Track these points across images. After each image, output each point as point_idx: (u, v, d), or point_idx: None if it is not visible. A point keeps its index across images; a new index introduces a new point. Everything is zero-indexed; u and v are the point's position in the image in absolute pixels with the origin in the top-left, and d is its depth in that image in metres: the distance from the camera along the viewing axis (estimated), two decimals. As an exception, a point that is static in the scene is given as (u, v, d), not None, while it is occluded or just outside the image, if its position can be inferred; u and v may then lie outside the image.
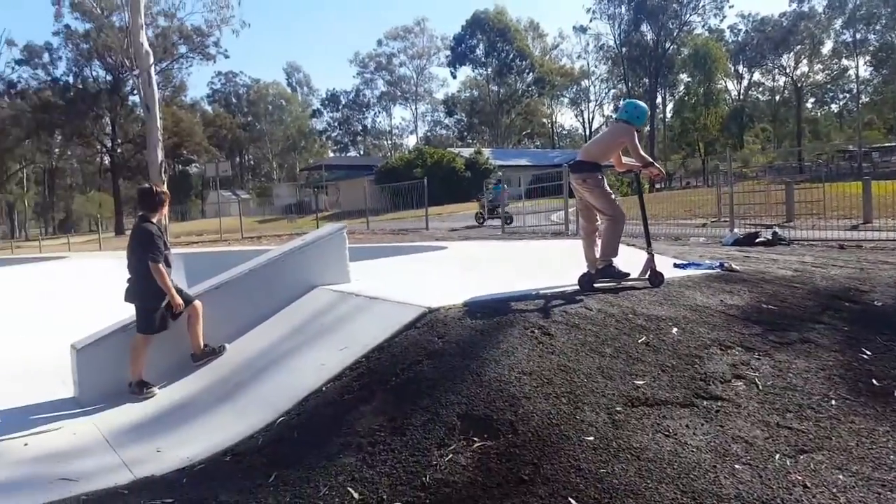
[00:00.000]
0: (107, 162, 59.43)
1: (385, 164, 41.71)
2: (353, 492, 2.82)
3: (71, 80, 55.34)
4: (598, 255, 5.08)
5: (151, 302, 4.93)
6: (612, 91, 76.73)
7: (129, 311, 5.15)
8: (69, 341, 5.24)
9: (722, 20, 70.17)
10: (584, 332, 4.00)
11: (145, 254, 4.86)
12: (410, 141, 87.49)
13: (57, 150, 64.40)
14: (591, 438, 2.97)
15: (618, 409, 3.22)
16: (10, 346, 7.31)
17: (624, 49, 68.88)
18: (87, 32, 51.80)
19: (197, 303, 5.23)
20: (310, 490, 2.89)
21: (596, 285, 4.90)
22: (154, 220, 5.08)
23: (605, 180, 5.03)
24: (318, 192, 50.78)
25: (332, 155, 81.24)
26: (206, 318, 5.27)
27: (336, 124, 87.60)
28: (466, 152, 43.27)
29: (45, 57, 55.89)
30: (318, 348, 4.57)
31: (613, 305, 4.46)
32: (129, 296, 4.98)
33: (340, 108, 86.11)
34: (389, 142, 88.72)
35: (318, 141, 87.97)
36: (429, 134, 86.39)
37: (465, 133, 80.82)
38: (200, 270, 9.69)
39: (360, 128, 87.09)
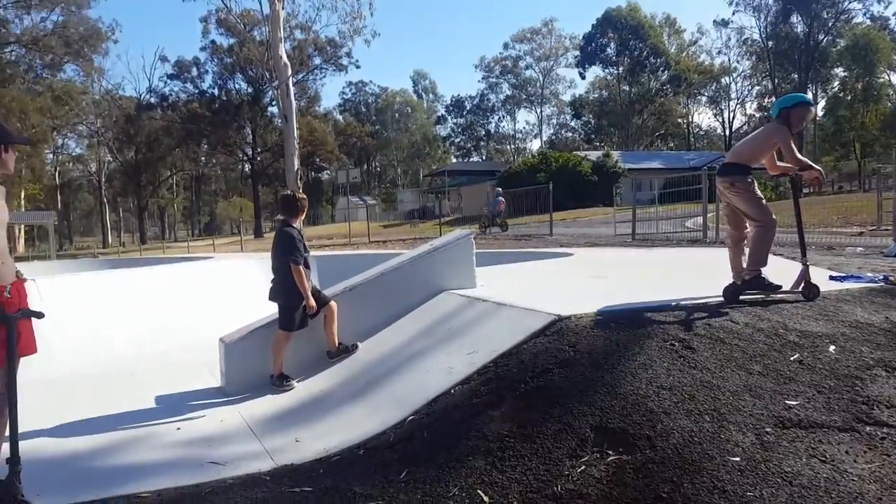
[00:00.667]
0: (247, 169, 64.44)
1: (508, 169, 41.86)
2: (483, 495, 2.85)
3: (216, 92, 60.58)
4: (745, 264, 4.81)
5: (293, 301, 5.28)
6: (756, 88, 72.36)
7: (271, 309, 5.55)
8: (217, 335, 5.70)
9: (886, 6, 64.24)
10: (729, 346, 3.80)
11: (287, 256, 5.22)
12: (534, 145, 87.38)
13: (203, 158, 70.64)
14: (737, 459, 2.82)
15: (767, 430, 3.03)
16: (166, 338, 8.06)
17: (770, 43, 64.68)
18: (231, 47, 56.48)
19: (332, 303, 5.53)
20: (440, 489, 2.95)
21: (742, 297, 4.64)
22: (295, 225, 5.45)
23: (756, 184, 4.76)
24: (441, 197, 51.88)
25: (454, 160, 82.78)
26: (341, 318, 5.57)
27: (459, 130, 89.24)
28: (594, 155, 42.43)
29: (194, 71, 61.60)
30: (446, 351, 4.67)
31: (762, 319, 4.20)
32: (273, 295, 5.37)
33: (464, 113, 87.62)
34: (512, 146, 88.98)
35: (442, 147, 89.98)
36: (553, 137, 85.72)
37: (593, 135, 79.27)
38: (332, 272, 10.21)
39: (484, 133, 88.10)
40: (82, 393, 5.67)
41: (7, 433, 3.13)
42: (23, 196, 47.89)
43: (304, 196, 5.62)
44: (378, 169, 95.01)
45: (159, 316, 9.02)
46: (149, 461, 3.84)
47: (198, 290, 10.61)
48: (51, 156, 61.02)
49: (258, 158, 59.96)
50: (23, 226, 45.90)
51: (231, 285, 11.19)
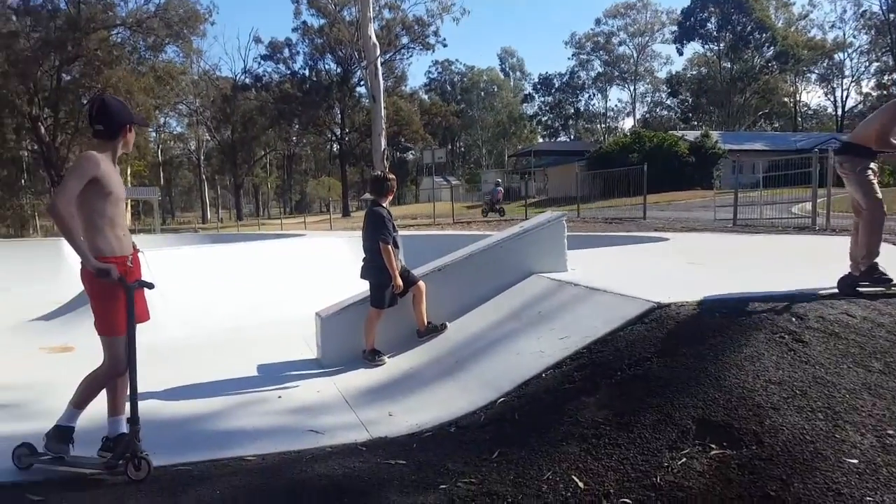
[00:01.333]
0: (335, 149, 66.10)
1: (598, 149, 40.83)
2: (577, 480, 2.85)
3: (307, 73, 62.17)
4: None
5: (383, 280, 5.41)
6: (875, 65, 67.03)
7: (362, 286, 5.72)
8: (311, 310, 5.95)
9: None
10: (845, 341, 3.59)
11: (376, 235, 5.35)
12: (626, 124, 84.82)
13: (294, 138, 73.10)
14: (855, 462, 2.68)
15: (889, 432, 2.85)
16: (264, 310, 8.50)
17: (893, 15, 59.67)
18: (321, 28, 57.71)
19: (421, 283, 5.63)
20: (533, 472, 2.97)
21: (860, 289, 4.35)
22: (384, 205, 5.57)
23: (870, 167, 4.44)
24: (527, 178, 51.35)
25: (541, 140, 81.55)
26: (430, 298, 5.67)
27: (547, 108, 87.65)
28: (691, 135, 40.67)
29: (286, 52, 63.41)
30: (535, 335, 4.67)
31: (883, 314, 3.93)
32: (364, 273, 5.53)
33: (553, 91, 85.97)
34: (603, 125, 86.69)
35: (528, 126, 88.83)
36: (647, 116, 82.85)
37: (690, 114, 76.01)
38: (417, 252, 10.39)
39: (572, 111, 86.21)
40: (189, 360, 6.05)
41: (128, 394, 3.42)
42: (129, 172, 51.20)
43: (393, 176, 5.72)
44: (462, 149, 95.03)
45: (257, 289, 9.48)
46: (252, 426, 4.06)
47: (292, 266, 11.08)
48: (154, 134, 64.91)
49: (346, 139, 61.36)
50: (129, 200, 49.25)
51: (323, 262, 11.64)
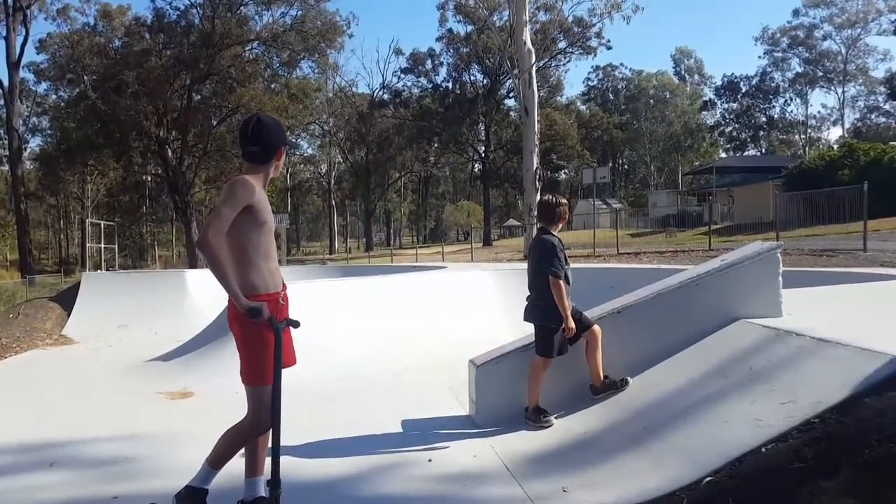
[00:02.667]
0: (477, 169, 67.63)
1: (798, 165, 38.38)
2: None
3: (450, 86, 64.38)
4: None
5: (552, 322, 5.24)
6: None
7: (510, 330, 5.63)
8: (455, 353, 6.00)
9: None
10: None
11: (546, 268, 5.20)
12: (832, 134, 79.57)
13: (432, 158, 75.73)
14: None
15: None
16: (404, 353, 8.68)
17: None
18: (468, 35, 59.54)
19: (596, 327, 5.38)
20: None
21: None
22: (554, 233, 5.42)
23: None
24: (708, 200, 49.22)
25: (724, 155, 78.23)
26: (607, 346, 5.42)
27: (732, 117, 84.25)
28: (921, 147, 37.21)
29: (428, 64, 66.09)
30: (748, 398, 4.29)
31: None
32: (529, 314, 5.38)
33: (739, 97, 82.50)
34: (803, 136, 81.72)
35: (708, 138, 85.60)
36: (859, 124, 77.26)
37: (917, 121, 70.00)
38: (580, 288, 10.19)
39: (764, 120, 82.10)
40: (325, 409, 6.22)
41: (268, 451, 3.46)
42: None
43: (565, 201, 5.57)
44: (625, 167, 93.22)
45: (395, 329, 9.67)
46: (402, 493, 4.07)
47: (432, 303, 11.19)
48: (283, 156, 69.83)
49: (490, 157, 62.42)
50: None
51: (466, 299, 11.74)
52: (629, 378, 5.33)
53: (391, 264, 26.64)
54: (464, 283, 12.82)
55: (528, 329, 5.50)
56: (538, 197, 27.98)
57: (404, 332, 9.61)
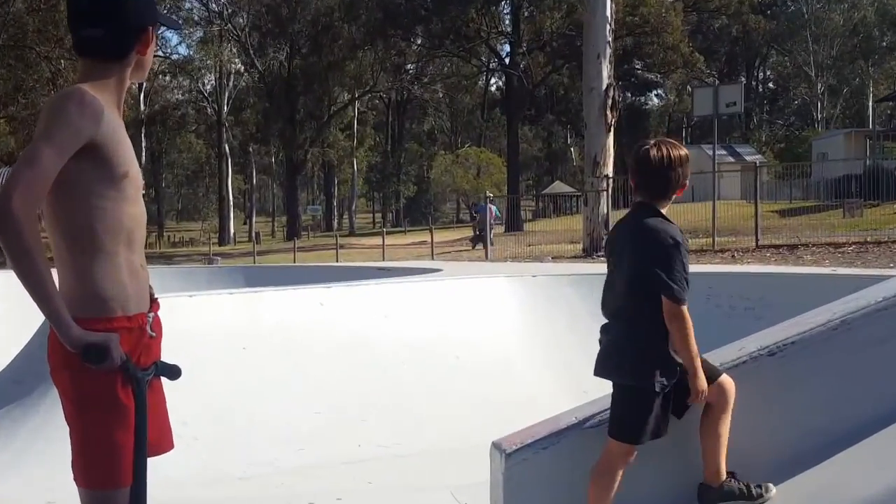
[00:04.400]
0: (497, 88, 67.21)
1: None
2: None
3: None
4: None
5: (657, 379, 5.05)
6: None
7: (579, 389, 5.51)
8: (462, 428, 5.77)
9: None
10: None
11: (656, 283, 4.88)
12: None
13: (411, 65, 75.75)
14: None
15: None
16: (373, 426, 8.95)
17: None
18: None
19: (726, 381, 5.21)
20: None
21: None
22: (664, 212, 5.12)
23: None
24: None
25: None
26: (737, 416, 5.37)
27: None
28: None
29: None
30: None
31: None
32: (606, 365, 5.13)
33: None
34: None
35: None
36: None
37: None
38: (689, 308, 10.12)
39: None
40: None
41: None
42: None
43: (685, 152, 5.23)
44: (770, 86, 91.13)
45: (354, 385, 10.03)
46: None
47: (417, 340, 11.22)
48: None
49: (521, 65, 61.34)
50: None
51: (479, 334, 11.95)
52: (772, 486, 5.15)
53: (337, 264, 26.56)
54: (473, 303, 12.76)
55: (591, 389, 5.38)
56: (609, 138, 27.72)
57: (369, 389, 9.57)
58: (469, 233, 45.63)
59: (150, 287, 3.46)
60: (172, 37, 76.30)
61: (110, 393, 3.19)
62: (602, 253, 26.47)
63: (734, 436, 5.23)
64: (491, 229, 31.92)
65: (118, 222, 3.20)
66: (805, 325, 5.66)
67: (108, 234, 3.18)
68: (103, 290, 3.18)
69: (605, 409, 5.30)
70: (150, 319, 3.40)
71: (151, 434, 3.34)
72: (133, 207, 3.26)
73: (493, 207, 34.03)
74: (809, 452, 5.41)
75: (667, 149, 5.02)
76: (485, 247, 30.55)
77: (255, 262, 34.22)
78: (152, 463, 3.41)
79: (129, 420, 3.22)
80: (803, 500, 5.25)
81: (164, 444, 3.52)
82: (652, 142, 5.11)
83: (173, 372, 3.47)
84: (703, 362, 5.08)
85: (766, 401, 5.51)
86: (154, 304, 3.46)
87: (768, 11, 76.46)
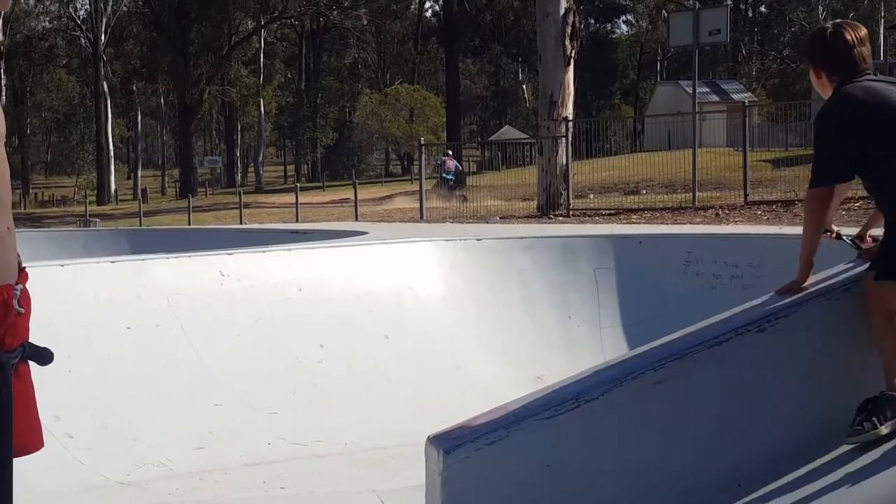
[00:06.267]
0: (432, 14, 67.13)
1: None
2: None
3: None
4: None
5: None
6: None
7: (526, 374, 5.53)
8: (392, 420, 5.79)
9: None
10: None
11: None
12: None
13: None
14: None
15: None
16: (281, 419, 8.82)
17: None
18: None
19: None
20: None
21: None
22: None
23: None
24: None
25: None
26: (730, 396, 5.52)
27: None
28: None
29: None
30: None
31: None
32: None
33: None
34: None
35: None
36: None
37: None
38: (663, 274, 10.16)
39: None
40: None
41: None
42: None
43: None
44: (761, 9, 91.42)
45: (259, 367, 10.19)
46: None
47: (339, 315, 11.33)
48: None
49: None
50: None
51: (411, 309, 12.01)
52: None
53: (241, 227, 26.42)
54: (405, 273, 12.76)
55: (546, 375, 5.46)
56: (568, 73, 27.42)
57: (281, 377, 9.55)
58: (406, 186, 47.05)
59: (18, 254, 3.38)
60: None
61: None
62: (560, 212, 26.63)
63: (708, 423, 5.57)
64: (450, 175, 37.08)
65: None
66: (802, 296, 5.83)
67: None
68: None
69: (564, 399, 5.35)
70: (18, 293, 3.31)
71: (18, 431, 3.23)
72: None
73: (447, 158, 41.39)
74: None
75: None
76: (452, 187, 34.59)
77: (141, 225, 33.91)
78: (18, 464, 3.32)
79: None
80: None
81: (32, 442, 3.42)
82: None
83: (44, 356, 3.27)
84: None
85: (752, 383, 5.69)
86: (22, 274, 3.38)
87: None
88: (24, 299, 3.28)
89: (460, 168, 41.25)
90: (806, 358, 5.73)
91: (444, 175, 43.07)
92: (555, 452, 5.35)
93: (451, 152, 43.43)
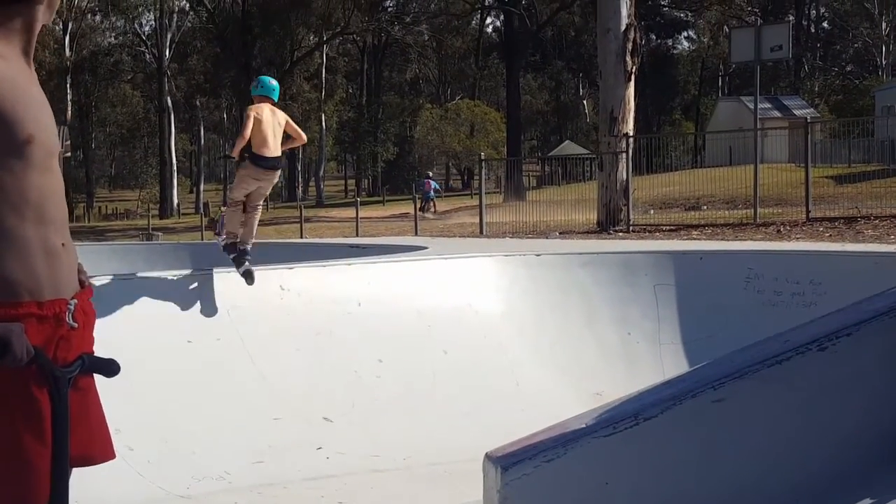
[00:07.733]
0: (493, 29, 67.14)
1: None
2: None
3: None
4: None
5: None
6: None
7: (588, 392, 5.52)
8: (452, 439, 5.76)
9: None
10: None
11: None
12: None
13: (390, 1, 75.36)
14: None
15: None
16: (337, 436, 8.71)
17: None
18: None
19: None
20: None
21: None
22: None
23: None
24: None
25: None
26: (779, 416, 5.37)
27: None
28: None
29: None
30: None
31: None
32: None
33: None
34: None
35: None
36: None
37: None
38: (725, 294, 10.11)
39: None
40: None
41: None
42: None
43: None
44: (824, 25, 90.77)
45: (315, 386, 10.05)
46: None
47: (397, 333, 11.27)
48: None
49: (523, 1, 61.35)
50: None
51: (472, 328, 11.91)
52: None
53: (302, 241, 26.49)
54: (464, 288, 12.75)
55: (606, 391, 5.42)
56: (629, 89, 27.26)
57: (340, 391, 9.57)
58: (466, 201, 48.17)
59: (82, 269, 3.38)
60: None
61: (20, 394, 3.07)
62: (620, 227, 26.54)
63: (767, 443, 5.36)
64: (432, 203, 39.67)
65: (21, 196, 3.08)
66: (865, 313, 5.65)
67: (10, 211, 3.07)
68: (6, 273, 3.07)
69: (623, 417, 5.33)
70: (72, 307, 3.27)
71: (77, 443, 3.19)
72: (41, 177, 3.14)
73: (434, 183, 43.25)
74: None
75: None
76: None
77: (202, 239, 34.08)
78: (79, 476, 3.30)
79: (44, 427, 3.09)
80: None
81: (97, 452, 3.39)
82: None
83: (109, 368, 3.30)
84: None
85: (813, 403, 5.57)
86: (86, 289, 3.39)
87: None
88: (81, 314, 3.28)
89: (439, 189, 44.64)
90: (868, 376, 5.65)
91: (426, 195, 49.19)
92: (613, 471, 5.25)
93: (430, 174, 49.27)
